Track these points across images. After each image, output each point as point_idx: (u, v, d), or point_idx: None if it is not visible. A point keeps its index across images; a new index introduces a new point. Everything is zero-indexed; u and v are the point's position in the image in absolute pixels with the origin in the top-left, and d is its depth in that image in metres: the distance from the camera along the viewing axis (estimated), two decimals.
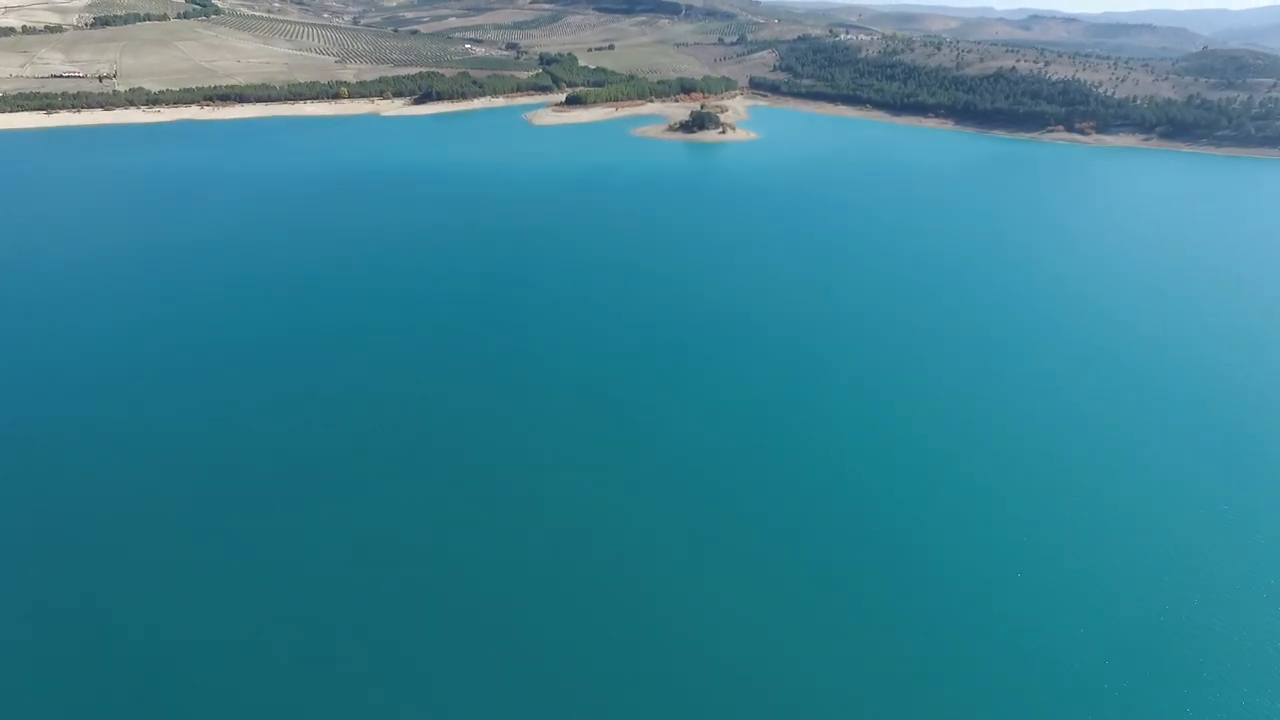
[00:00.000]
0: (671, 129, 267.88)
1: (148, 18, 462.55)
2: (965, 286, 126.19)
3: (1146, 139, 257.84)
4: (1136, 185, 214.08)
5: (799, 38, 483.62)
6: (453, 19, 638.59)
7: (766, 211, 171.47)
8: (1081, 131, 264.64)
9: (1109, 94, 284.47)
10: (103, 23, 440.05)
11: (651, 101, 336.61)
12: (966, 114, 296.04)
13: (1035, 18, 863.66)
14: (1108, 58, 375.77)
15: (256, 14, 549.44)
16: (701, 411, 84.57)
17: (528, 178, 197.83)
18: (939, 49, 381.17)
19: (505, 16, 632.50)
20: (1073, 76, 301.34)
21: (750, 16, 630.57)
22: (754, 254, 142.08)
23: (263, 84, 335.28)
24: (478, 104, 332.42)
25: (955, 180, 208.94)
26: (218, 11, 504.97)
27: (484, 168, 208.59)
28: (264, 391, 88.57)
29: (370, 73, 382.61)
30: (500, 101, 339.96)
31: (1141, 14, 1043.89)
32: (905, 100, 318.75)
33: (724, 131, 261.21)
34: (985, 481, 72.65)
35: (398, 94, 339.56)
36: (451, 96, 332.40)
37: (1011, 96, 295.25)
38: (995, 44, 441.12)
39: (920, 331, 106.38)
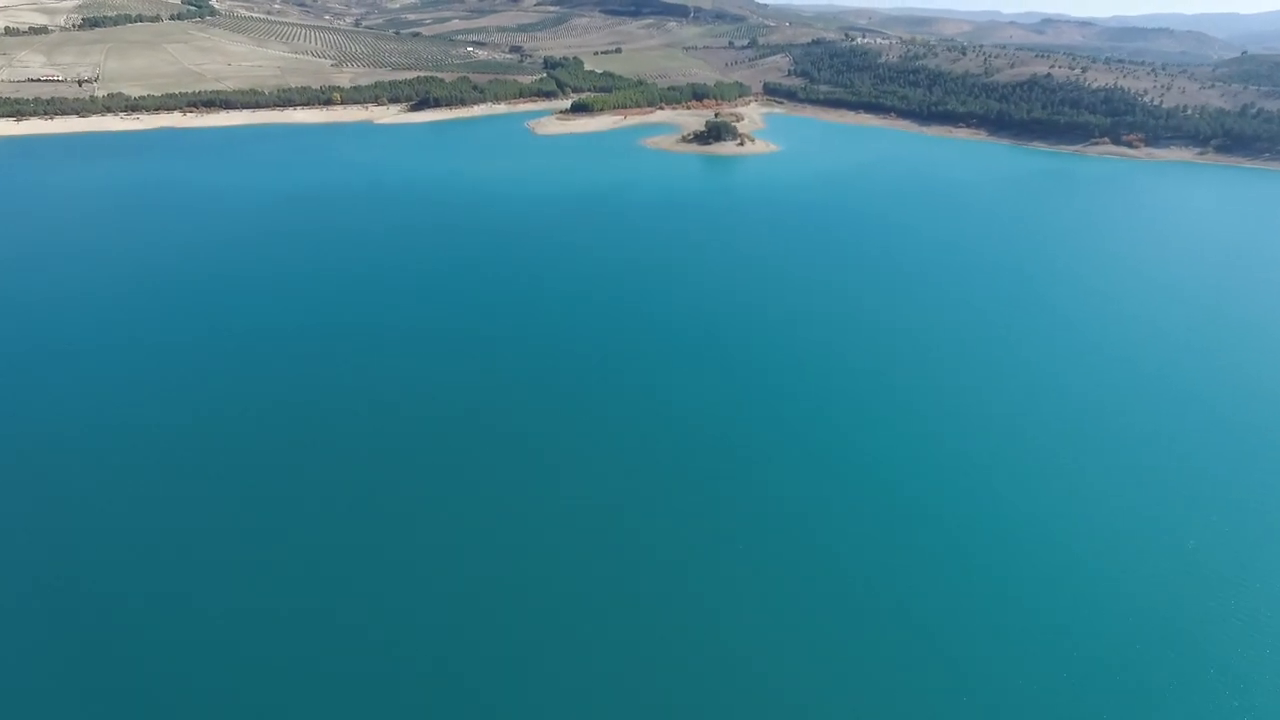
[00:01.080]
0: (685, 140, 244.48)
1: (139, 19, 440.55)
2: (1022, 316, 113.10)
3: (1201, 153, 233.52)
4: (1199, 205, 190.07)
5: (813, 41, 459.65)
6: (456, 21, 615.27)
7: (799, 236, 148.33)
8: (1129, 144, 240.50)
9: (1155, 103, 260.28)
10: (91, 24, 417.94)
11: (662, 109, 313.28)
12: (1001, 124, 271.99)
13: (1048, 21, 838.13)
14: (1142, 63, 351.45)
15: (254, 16, 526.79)
16: (747, 440, 78.69)
17: (531, 197, 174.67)
18: (964, 54, 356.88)
19: (509, 19, 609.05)
20: (1114, 84, 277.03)
21: (760, 19, 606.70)
22: (790, 285, 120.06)
23: (250, 89, 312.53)
24: (478, 111, 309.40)
25: (1003, 200, 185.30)
26: (213, 13, 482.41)
27: (482, 185, 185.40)
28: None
29: (366, 77, 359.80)
30: (502, 108, 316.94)
31: (1149, 18, 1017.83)
32: (933, 108, 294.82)
33: (742, 143, 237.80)
34: (1034, 510, 68.25)
35: (394, 100, 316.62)
36: (450, 103, 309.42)
37: (1049, 105, 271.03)
38: (1021, 48, 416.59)
39: (975, 361, 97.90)
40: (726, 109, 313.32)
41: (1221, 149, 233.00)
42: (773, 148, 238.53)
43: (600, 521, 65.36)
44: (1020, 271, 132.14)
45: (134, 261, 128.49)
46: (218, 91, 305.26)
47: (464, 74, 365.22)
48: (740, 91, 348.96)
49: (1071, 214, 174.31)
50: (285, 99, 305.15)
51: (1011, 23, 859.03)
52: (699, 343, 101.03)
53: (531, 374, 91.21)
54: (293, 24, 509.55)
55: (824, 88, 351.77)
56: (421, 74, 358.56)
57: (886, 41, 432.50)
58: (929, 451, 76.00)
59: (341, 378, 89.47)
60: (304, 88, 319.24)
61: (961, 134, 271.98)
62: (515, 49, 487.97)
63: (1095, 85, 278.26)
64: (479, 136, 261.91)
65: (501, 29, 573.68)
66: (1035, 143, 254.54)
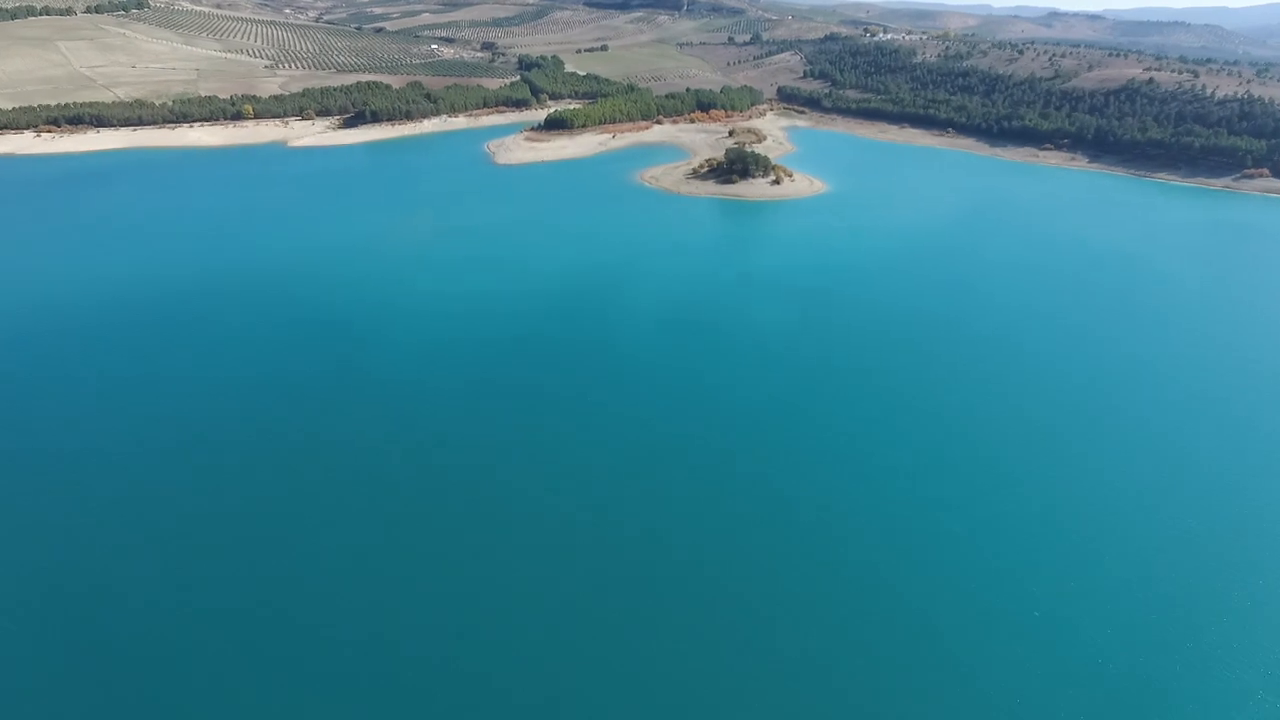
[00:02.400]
0: (698, 174, 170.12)
1: (45, 11, 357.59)
2: None
3: None
4: None
5: (826, 37, 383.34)
6: (426, 15, 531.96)
7: (923, 391, 76.33)
8: None
9: None
10: None
11: (659, 122, 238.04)
12: (1101, 146, 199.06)
13: (1055, 15, 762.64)
14: (1234, 62, 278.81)
15: (197, 9, 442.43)
16: None
17: (458, 308, 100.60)
18: (1021, 53, 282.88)
19: (483, 13, 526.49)
20: (1244, 93, 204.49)
21: (760, 13, 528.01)
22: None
23: (138, 100, 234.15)
24: (427, 126, 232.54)
25: (1205, 285, 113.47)
26: (140, 5, 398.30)
27: (381, 278, 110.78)
28: None
29: (302, 81, 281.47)
30: (460, 122, 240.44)
31: (1142, 11, 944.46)
32: (1002, 123, 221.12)
33: (778, 180, 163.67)
34: None
35: (324, 112, 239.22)
36: (392, 116, 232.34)
37: (1165, 122, 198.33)
38: (1075, 44, 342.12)
39: None
40: (739, 122, 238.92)
41: None
42: (818, 186, 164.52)
43: None
44: None
45: None
46: (93, 104, 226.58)
47: (420, 77, 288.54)
48: (752, 98, 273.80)
49: None
50: (181, 113, 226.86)
51: (1015, 16, 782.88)
52: None
53: None
54: (238, 18, 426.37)
55: (853, 93, 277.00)
56: (365, 78, 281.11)
57: (917, 37, 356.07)
58: None
59: None
60: (209, 98, 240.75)
61: (1051, 159, 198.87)
62: (488, 46, 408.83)
63: (1220, 95, 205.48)
64: (417, 167, 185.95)
65: (474, 24, 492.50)
66: (1160, 174, 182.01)
